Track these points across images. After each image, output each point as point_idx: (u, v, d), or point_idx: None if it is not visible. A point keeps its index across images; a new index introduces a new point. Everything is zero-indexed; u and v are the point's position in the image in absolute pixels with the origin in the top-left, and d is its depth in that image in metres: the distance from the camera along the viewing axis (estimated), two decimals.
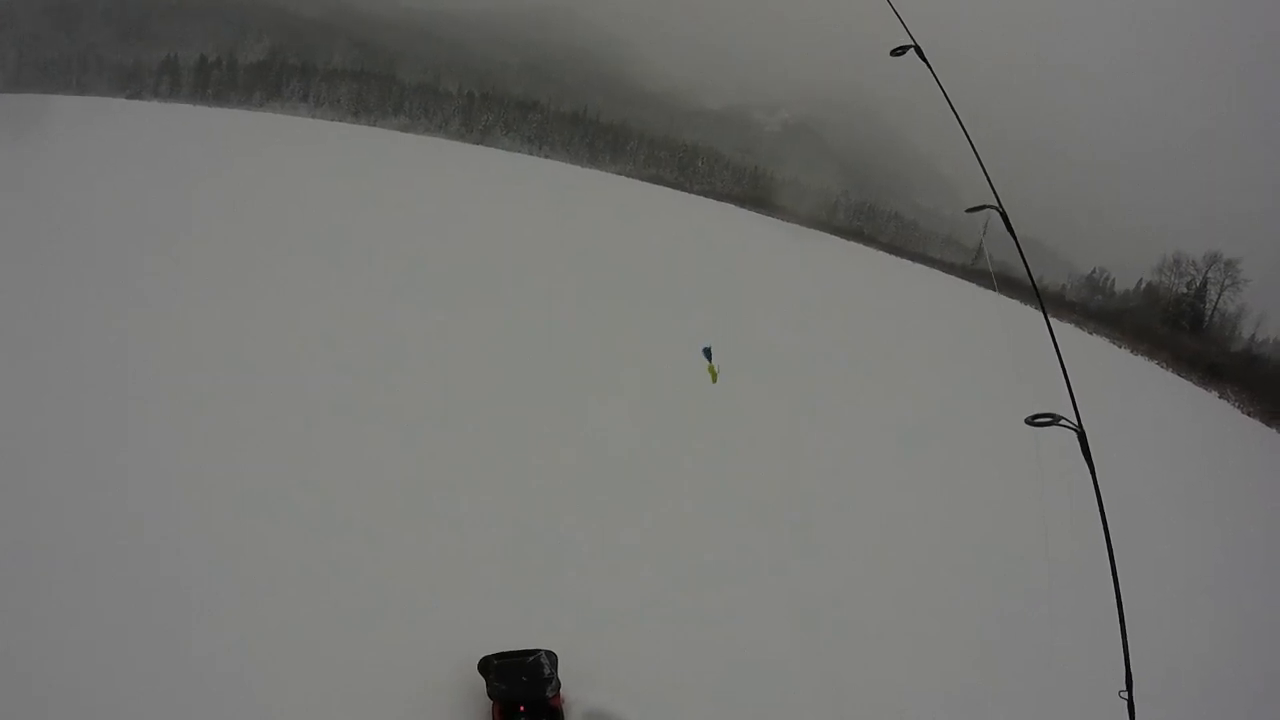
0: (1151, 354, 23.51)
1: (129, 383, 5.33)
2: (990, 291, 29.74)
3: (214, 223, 8.71)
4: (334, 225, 11.00)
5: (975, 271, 36.04)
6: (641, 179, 32.00)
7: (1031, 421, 1.63)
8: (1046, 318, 2.89)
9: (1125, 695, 1.29)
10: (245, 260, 8.16)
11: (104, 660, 3.50)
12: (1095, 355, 21.71)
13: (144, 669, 3.52)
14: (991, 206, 3.19)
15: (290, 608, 4.09)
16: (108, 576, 3.84)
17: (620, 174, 30.45)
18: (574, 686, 3.87)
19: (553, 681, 3.66)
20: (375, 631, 4.02)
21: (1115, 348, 23.67)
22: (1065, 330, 25.39)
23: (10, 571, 3.32)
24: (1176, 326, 34.11)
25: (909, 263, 32.61)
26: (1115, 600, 1.36)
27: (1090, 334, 25.73)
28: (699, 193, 34.51)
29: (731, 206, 33.67)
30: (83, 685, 3.26)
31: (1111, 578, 1.40)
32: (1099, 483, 1.55)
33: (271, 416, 5.92)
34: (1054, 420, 1.61)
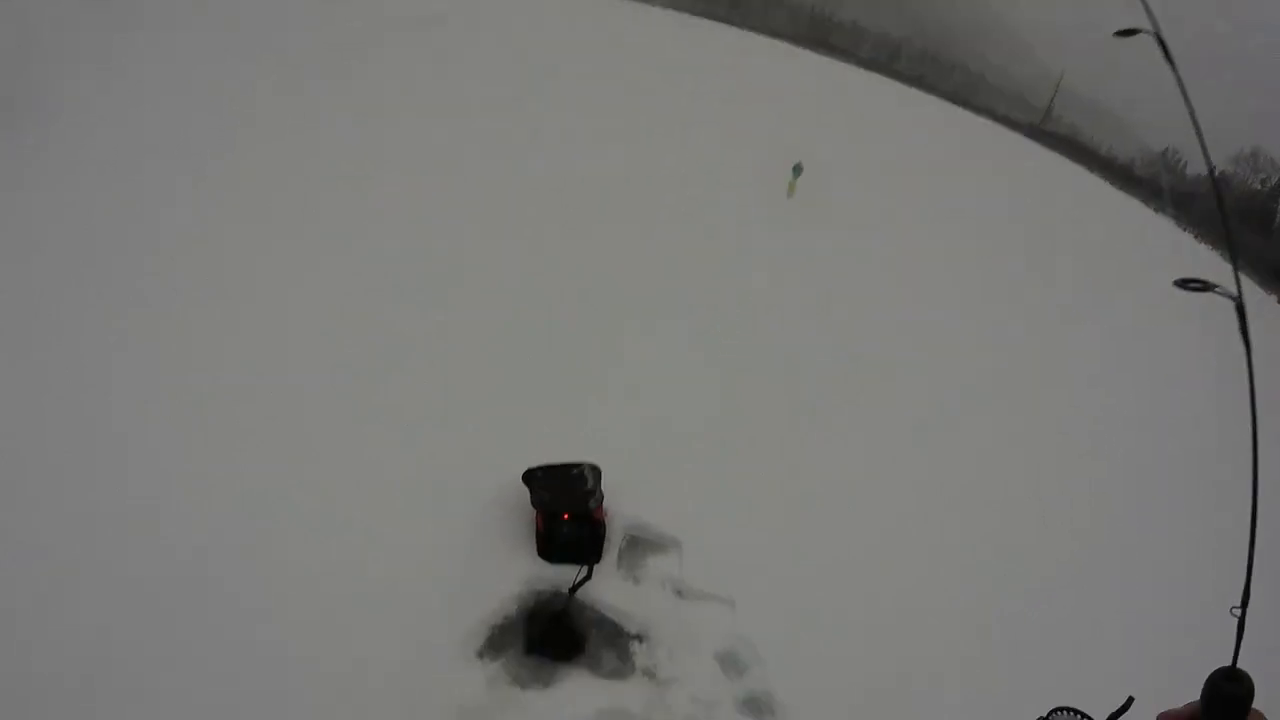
0: (1215, 245, 22.33)
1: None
2: (1055, 154, 28.19)
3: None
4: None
5: (1041, 131, 33.72)
6: (691, 13, 29.40)
7: (1183, 285, 1.35)
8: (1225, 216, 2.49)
9: (1237, 612, 1.09)
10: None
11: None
12: (1161, 234, 20.63)
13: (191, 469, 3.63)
14: (1148, 31, 2.74)
15: (335, 421, 4.15)
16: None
17: (667, 7, 27.99)
18: (616, 501, 3.95)
19: (595, 494, 3.71)
20: (423, 446, 4.08)
21: (1180, 230, 22.42)
22: (1132, 206, 24.02)
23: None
24: (1244, 220, 32.33)
25: (973, 115, 30.61)
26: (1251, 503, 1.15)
27: (1155, 213, 24.32)
28: (752, 29, 31.80)
29: (787, 45, 31.17)
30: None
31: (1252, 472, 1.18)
32: (1251, 363, 1.29)
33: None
34: (1207, 287, 1.33)
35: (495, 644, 3.23)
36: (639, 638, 3.42)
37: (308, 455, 3.85)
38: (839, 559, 4.04)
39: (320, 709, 2.80)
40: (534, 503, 3.66)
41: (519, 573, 3.50)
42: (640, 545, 3.88)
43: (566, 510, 3.62)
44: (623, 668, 3.29)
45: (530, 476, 3.77)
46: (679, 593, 3.64)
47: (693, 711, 3.09)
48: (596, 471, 3.85)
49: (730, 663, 3.35)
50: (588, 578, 3.51)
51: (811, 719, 3.17)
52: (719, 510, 4.12)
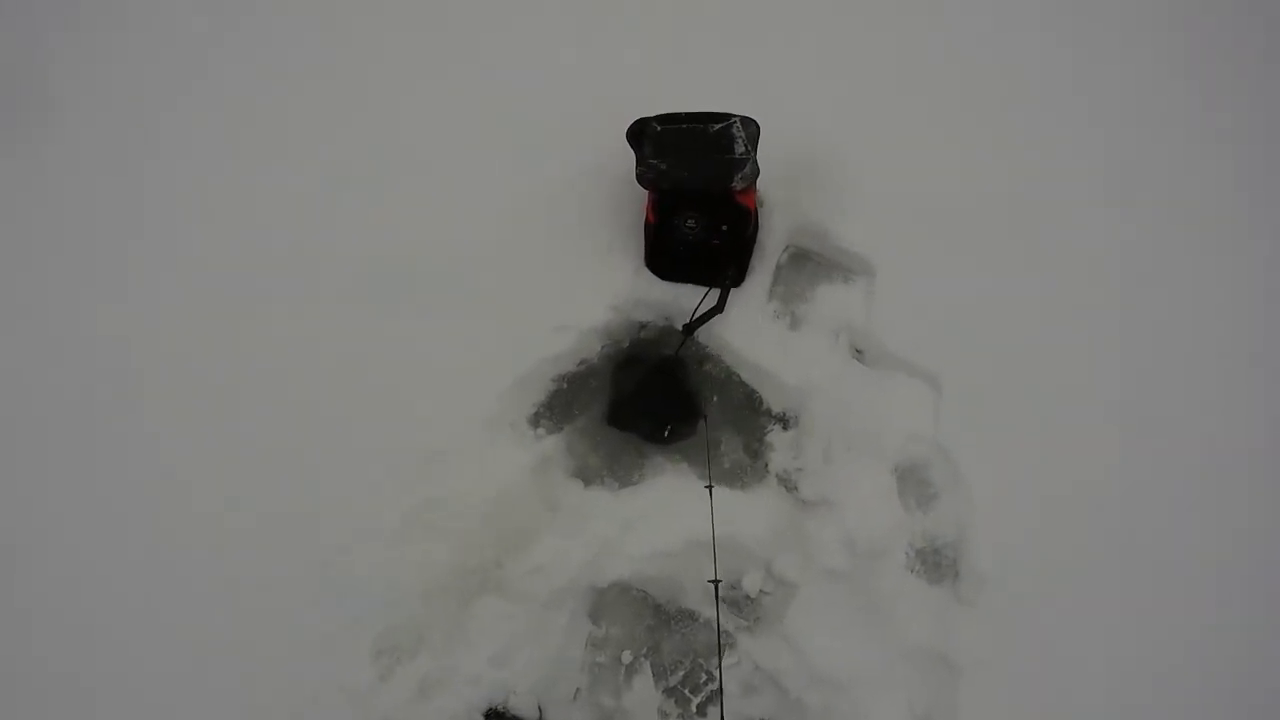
0: None
1: None
2: None
3: None
4: None
5: None
6: None
7: None
8: None
9: None
10: None
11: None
12: None
13: None
14: None
15: None
16: None
17: None
18: (779, 188, 2.41)
19: (746, 169, 2.17)
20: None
21: None
22: None
23: None
24: None
25: None
26: None
27: None
28: None
29: None
30: None
31: None
32: None
33: None
34: None
35: (558, 406, 2.16)
36: (783, 420, 2.23)
37: None
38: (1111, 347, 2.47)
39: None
40: (642, 177, 2.18)
41: (608, 291, 2.23)
42: (809, 266, 2.43)
43: (695, 193, 2.16)
44: (750, 467, 2.18)
45: (641, 132, 2.23)
46: (858, 352, 2.31)
47: (838, 562, 2.02)
48: (752, 131, 2.23)
49: (914, 484, 2.16)
50: (718, 309, 2.18)
51: (1018, 603, 2.04)
52: (941, 226, 2.46)
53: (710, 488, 1.94)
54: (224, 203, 2.42)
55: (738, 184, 2.16)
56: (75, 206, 2.41)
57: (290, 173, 2.44)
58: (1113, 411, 2.25)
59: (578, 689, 1.97)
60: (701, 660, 2.02)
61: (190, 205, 2.42)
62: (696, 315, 2.18)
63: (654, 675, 2.00)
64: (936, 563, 2.10)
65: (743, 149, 2.19)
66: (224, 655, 1.88)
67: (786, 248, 2.42)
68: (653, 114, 2.25)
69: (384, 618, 1.89)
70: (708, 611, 2.03)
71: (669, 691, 1.99)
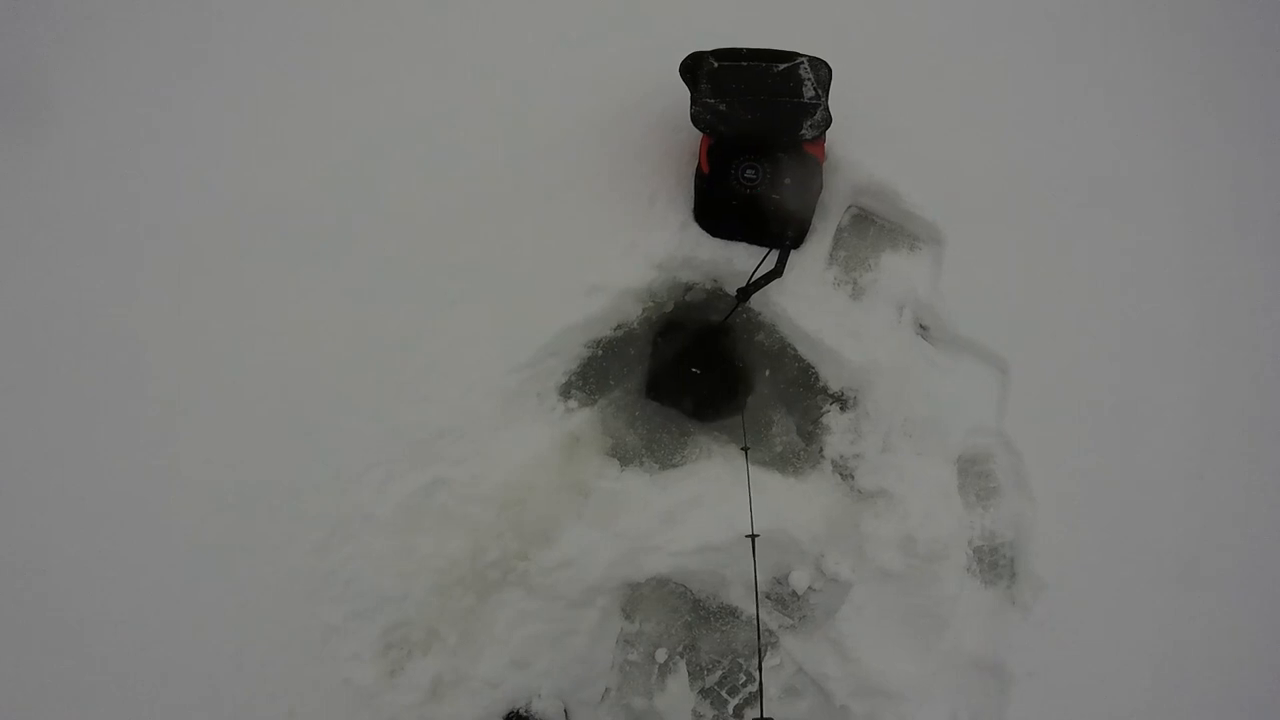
0: None
1: None
2: None
3: None
4: None
5: None
6: None
7: None
8: None
9: None
10: None
11: None
12: None
13: None
14: None
15: None
16: None
17: None
18: (849, 140, 2.15)
19: (816, 115, 1.92)
20: None
21: None
22: None
23: None
24: None
25: None
26: None
27: None
28: None
29: None
30: None
31: None
32: None
33: None
34: None
35: (592, 376, 1.94)
36: (841, 400, 2.03)
37: None
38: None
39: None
40: (698, 118, 1.92)
41: (651, 248, 1.98)
42: (872, 230, 2.19)
43: (757, 141, 1.91)
44: (803, 451, 1.98)
45: (695, 67, 1.96)
46: (923, 328, 2.10)
47: (894, 562, 1.83)
48: (823, 75, 1.97)
49: (976, 476, 1.99)
50: (776, 273, 1.93)
51: (1074, 610, 1.89)
52: (1021, 198, 2.20)
53: (746, 449, 1.77)
54: (227, 185, 2.13)
55: (807, 132, 1.91)
56: (74, 204, 2.13)
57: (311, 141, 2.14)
58: (1187, 416, 2.08)
59: (606, 689, 1.81)
60: (741, 660, 1.87)
61: (192, 190, 2.14)
62: (754, 279, 1.95)
63: (690, 675, 1.85)
64: (994, 563, 1.94)
65: (812, 93, 1.93)
66: (221, 648, 1.70)
67: (849, 208, 2.18)
68: (708, 49, 1.99)
69: (392, 611, 1.71)
70: (751, 609, 1.87)
71: (705, 693, 1.84)
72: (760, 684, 1.54)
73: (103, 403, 1.86)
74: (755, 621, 1.88)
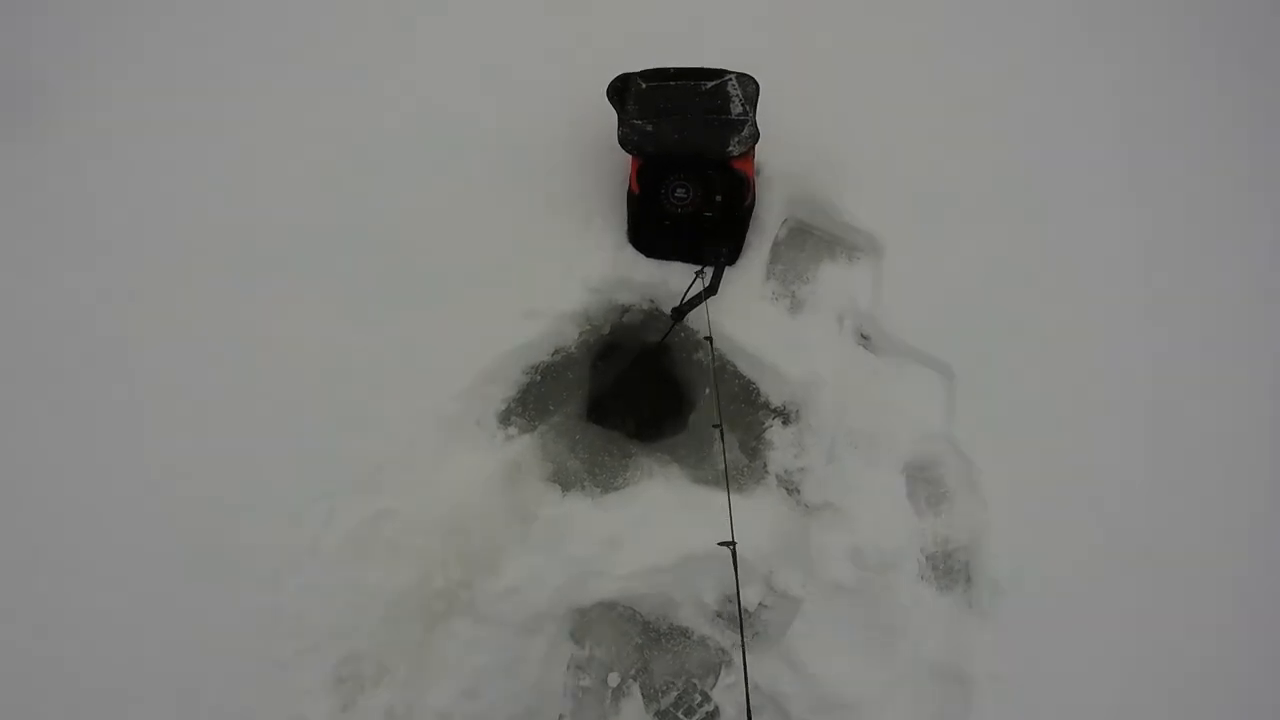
0: None
1: None
2: None
3: None
4: None
5: None
6: None
7: None
8: None
9: None
10: None
11: None
12: None
13: None
14: None
15: None
16: None
17: None
18: (778, 152, 2.19)
19: (743, 131, 1.96)
20: None
21: None
22: None
23: None
24: None
25: None
26: None
27: None
28: None
29: None
30: None
31: None
32: None
33: None
34: None
35: (531, 401, 1.96)
36: (783, 414, 2.05)
37: None
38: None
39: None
40: (625, 140, 1.96)
41: (586, 271, 2.01)
42: (810, 242, 2.23)
43: (685, 159, 1.94)
44: (747, 467, 2.00)
45: (623, 89, 2.00)
46: (864, 338, 2.13)
47: (845, 576, 1.85)
48: (750, 90, 2.01)
49: (925, 484, 2.01)
50: (710, 291, 1.93)
51: (1032, 611, 1.91)
52: (956, 204, 2.25)
53: (719, 427, 1.75)
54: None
55: (734, 149, 1.95)
56: (72, 203, 2.16)
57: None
58: (1134, 409, 2.11)
59: (560, 715, 1.80)
60: (696, 680, 1.87)
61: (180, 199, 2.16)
62: (687, 298, 1.97)
63: (644, 698, 1.85)
64: (948, 568, 1.96)
65: (740, 109, 1.98)
66: (174, 685, 1.68)
67: (785, 221, 2.22)
68: (636, 69, 2.03)
69: (342, 645, 1.71)
70: (702, 628, 1.88)
71: (660, 715, 1.84)
72: (746, 692, 1.54)
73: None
74: (710, 641, 1.89)
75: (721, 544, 1.54)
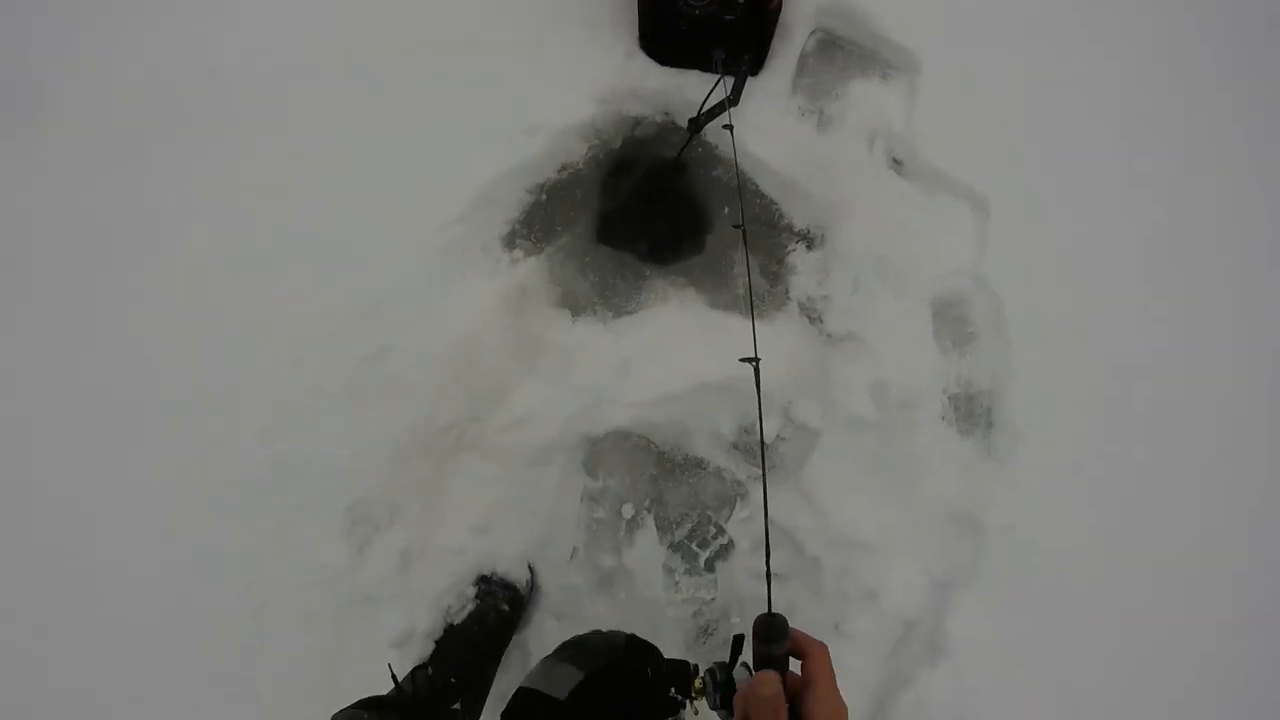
0: None
1: None
2: None
3: None
4: None
5: None
6: None
7: None
8: None
9: None
10: None
11: None
12: None
13: None
14: None
15: None
16: None
17: None
18: None
19: None
20: None
21: None
22: None
23: None
24: None
25: None
26: None
27: None
28: None
29: None
30: None
31: None
32: None
33: None
34: None
35: (537, 222, 1.81)
36: (807, 238, 1.91)
37: None
38: None
39: None
40: None
41: (594, 80, 1.82)
42: (840, 56, 2.02)
43: None
44: (767, 292, 1.88)
45: None
46: (896, 162, 1.96)
47: (866, 410, 1.76)
48: None
49: (952, 320, 1.89)
50: (732, 101, 1.75)
51: (1052, 460, 1.80)
52: (1005, 21, 2.04)
53: (741, 227, 1.60)
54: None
55: None
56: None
57: None
58: (1173, 259, 1.96)
59: (574, 549, 1.77)
60: (710, 512, 1.83)
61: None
62: (705, 109, 1.80)
63: (659, 530, 1.81)
64: (970, 411, 1.88)
65: None
66: (181, 557, 1.64)
67: (814, 31, 2.01)
68: None
69: (350, 489, 1.66)
70: (718, 459, 1.82)
71: (675, 546, 1.81)
72: (766, 525, 1.47)
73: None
74: (727, 472, 1.84)
75: (744, 360, 1.43)
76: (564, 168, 1.84)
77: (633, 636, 1.25)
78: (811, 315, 1.87)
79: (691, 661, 1.27)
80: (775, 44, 1.94)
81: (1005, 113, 2.01)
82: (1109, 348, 1.90)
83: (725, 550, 1.83)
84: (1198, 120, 2.08)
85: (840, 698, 0.73)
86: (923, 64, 2.01)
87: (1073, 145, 2.01)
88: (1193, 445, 1.88)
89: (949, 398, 1.89)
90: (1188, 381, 1.90)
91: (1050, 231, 1.96)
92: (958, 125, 1.99)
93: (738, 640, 0.90)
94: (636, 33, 1.87)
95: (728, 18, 1.80)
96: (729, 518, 1.84)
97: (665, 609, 1.79)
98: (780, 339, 1.82)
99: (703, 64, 1.88)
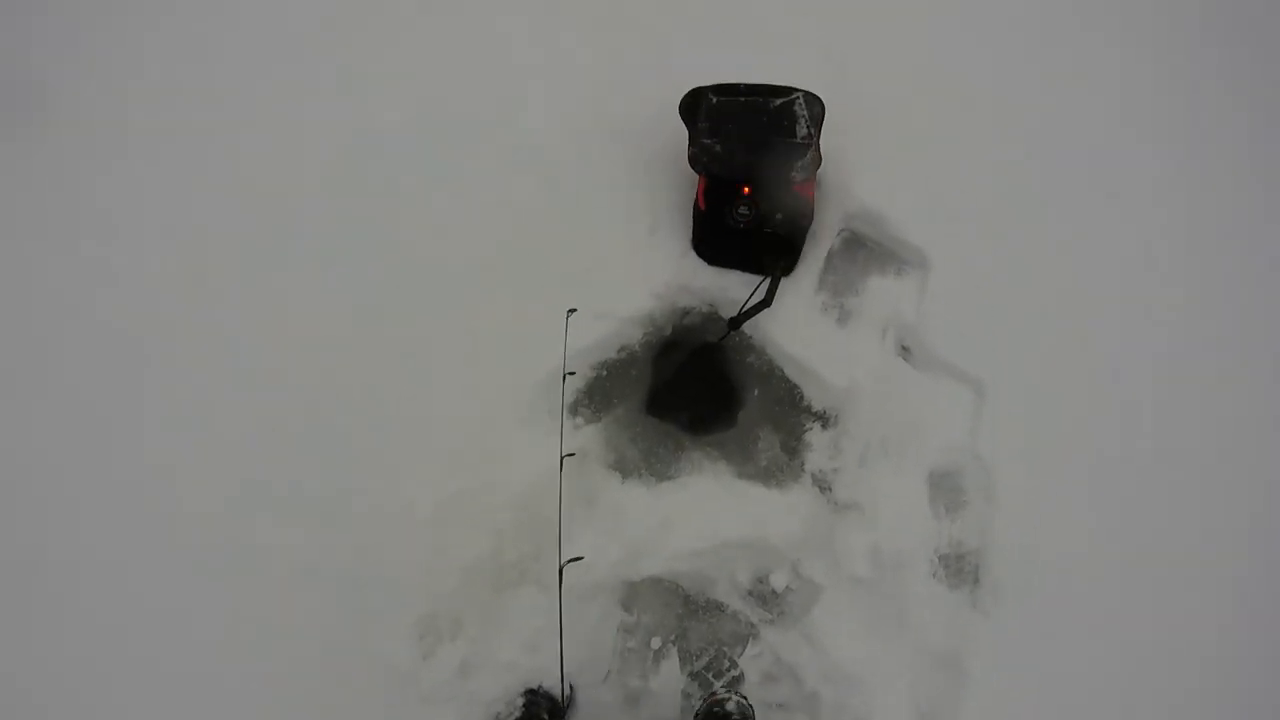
0: None
1: None
2: None
3: None
4: None
5: None
6: None
7: None
8: None
9: None
10: None
11: None
12: None
13: None
14: None
15: None
16: None
17: None
18: (840, 169, 2.34)
19: (807, 151, 2.11)
20: None
21: None
22: None
23: None
24: None
25: None
26: None
27: None
28: None
29: None
30: None
31: None
32: None
33: None
34: None
35: (598, 394, 2.20)
36: (823, 419, 2.28)
37: None
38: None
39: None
40: (695, 160, 2.13)
41: (652, 277, 2.23)
42: (862, 254, 2.41)
43: (750, 176, 2.11)
44: (786, 465, 2.25)
45: (694, 104, 2.15)
46: (904, 349, 2.33)
47: (863, 570, 2.11)
48: (815, 111, 2.16)
49: (946, 490, 2.24)
50: (766, 303, 2.15)
51: (1032, 615, 2.13)
52: (1005, 226, 2.41)
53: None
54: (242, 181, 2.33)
55: (797, 175, 2.11)
56: (73, 203, 2.31)
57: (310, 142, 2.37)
58: (1158, 443, 2.27)
59: (608, 671, 2.12)
60: (726, 648, 2.17)
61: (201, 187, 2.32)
62: (744, 309, 2.18)
63: (680, 660, 2.15)
64: (959, 569, 2.21)
65: (805, 131, 2.13)
66: (268, 630, 1.98)
67: (841, 231, 2.40)
68: (707, 83, 2.17)
69: (423, 602, 2.02)
70: (735, 603, 2.17)
71: (693, 675, 2.15)
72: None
73: (116, 427, 2.08)
74: (740, 615, 2.18)
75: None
76: (622, 349, 2.23)
77: None
78: (823, 486, 2.22)
79: None
80: (806, 246, 2.32)
81: (1005, 305, 2.36)
82: (1091, 520, 2.20)
83: (737, 681, 2.16)
84: (1193, 313, 2.39)
85: None
86: (933, 262, 2.38)
87: (1067, 333, 2.35)
88: (1171, 584, 2.14)
89: (939, 557, 2.22)
90: (1170, 532, 2.19)
91: (1041, 412, 2.29)
92: (961, 316, 2.35)
93: None
94: (690, 238, 2.26)
95: (767, 230, 2.18)
96: (741, 653, 2.18)
97: None
98: (795, 505, 2.18)
99: (744, 265, 2.26)
